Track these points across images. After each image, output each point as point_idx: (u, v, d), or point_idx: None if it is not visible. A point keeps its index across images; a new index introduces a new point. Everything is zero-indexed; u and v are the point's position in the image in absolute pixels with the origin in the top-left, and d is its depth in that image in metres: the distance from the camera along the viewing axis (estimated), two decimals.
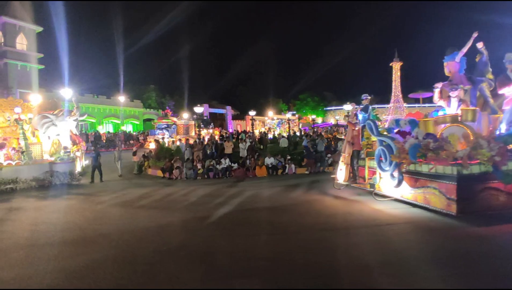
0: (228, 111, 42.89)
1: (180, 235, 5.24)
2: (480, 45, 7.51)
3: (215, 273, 3.72)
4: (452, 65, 7.57)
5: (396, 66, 49.98)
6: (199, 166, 13.03)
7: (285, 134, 23.50)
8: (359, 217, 5.85)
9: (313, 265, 3.80)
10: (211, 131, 28.48)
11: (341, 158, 9.03)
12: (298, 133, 24.12)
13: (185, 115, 29.98)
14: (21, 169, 10.82)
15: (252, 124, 24.74)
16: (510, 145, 5.99)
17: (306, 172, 13.00)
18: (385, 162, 6.92)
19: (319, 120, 49.29)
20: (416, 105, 49.35)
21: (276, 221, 5.86)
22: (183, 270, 3.80)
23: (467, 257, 3.89)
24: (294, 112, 47.42)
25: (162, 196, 8.96)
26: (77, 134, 14.71)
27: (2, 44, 27.17)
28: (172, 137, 23.92)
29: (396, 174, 6.63)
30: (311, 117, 44.82)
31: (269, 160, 13.15)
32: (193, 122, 26.02)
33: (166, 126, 27.51)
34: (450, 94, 7.03)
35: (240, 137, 20.23)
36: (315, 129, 26.72)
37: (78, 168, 12.65)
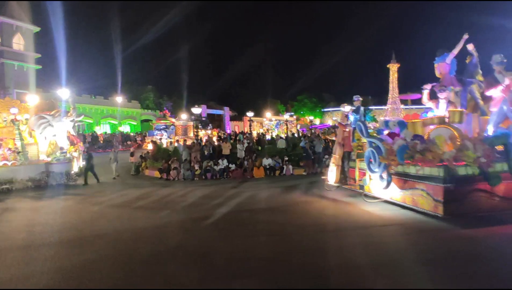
0: (226, 112, 42.98)
1: (177, 236, 5.28)
2: (470, 47, 7.57)
3: (213, 273, 3.75)
4: (442, 66, 7.64)
5: (393, 67, 50.27)
6: (196, 167, 13.09)
7: (283, 135, 23.63)
8: (350, 219, 5.92)
9: (309, 266, 3.85)
10: (209, 132, 28.57)
11: (332, 159, 9.10)
12: (296, 135, 24.24)
13: (184, 116, 30.06)
14: (17, 169, 10.87)
15: (250, 125, 24.86)
16: (499, 147, 6.06)
17: (304, 173, 13.09)
18: (374, 163, 7.00)
19: (317, 121, 49.48)
20: (413, 106, 49.61)
21: (272, 222, 5.94)
22: (180, 271, 3.84)
23: (457, 258, 3.95)
24: (292, 113, 47.55)
25: (160, 197, 9.02)
26: (75, 134, 14.75)
27: None
28: (170, 138, 24.01)
29: (385, 175, 6.71)
30: (309, 118, 45.06)
31: (267, 161, 13.22)
32: (191, 123, 26.09)
33: (164, 127, 27.58)
34: (439, 95, 7.10)
35: (238, 138, 20.33)
36: (313, 130, 26.88)
37: (75, 169, 12.69)
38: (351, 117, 8.93)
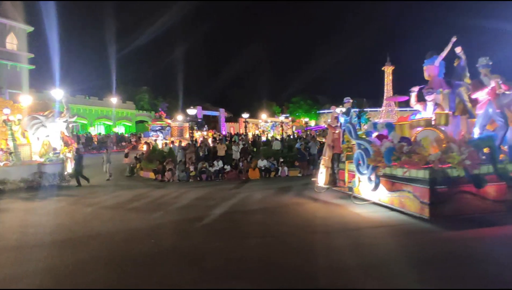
0: (222, 113, 42.99)
1: (171, 237, 5.27)
2: (458, 50, 7.57)
3: (206, 274, 3.77)
4: (431, 69, 7.64)
5: (388, 70, 50.94)
6: (191, 168, 13.11)
7: (278, 137, 23.75)
8: (339, 221, 5.97)
9: (300, 267, 3.89)
10: (205, 133, 28.58)
11: (322, 161, 9.17)
12: (291, 136, 24.39)
13: (179, 117, 30.01)
14: (9, 170, 10.80)
15: (245, 127, 24.92)
16: (486, 149, 6.12)
17: (299, 175, 13.17)
18: (363, 165, 7.06)
19: (312, 123, 49.81)
20: (408, 109, 50.16)
21: (264, 223, 6.01)
22: (174, 272, 3.85)
23: (445, 260, 3.98)
24: (287, 115, 47.83)
25: (154, 198, 9.03)
26: (69, 135, 14.67)
27: None
28: (166, 139, 23.96)
29: (373, 177, 6.78)
30: (304, 120, 45.35)
31: (262, 163, 13.29)
32: (187, 124, 26.09)
33: (160, 128, 27.52)
34: (426, 97, 7.14)
35: (233, 140, 20.38)
36: (308, 132, 27.08)
37: (69, 170, 12.63)
38: (341, 119, 9.00)
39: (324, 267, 3.87)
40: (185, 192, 9.80)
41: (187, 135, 24.64)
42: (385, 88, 51.06)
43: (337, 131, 9.02)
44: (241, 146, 15.18)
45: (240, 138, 20.79)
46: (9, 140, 11.60)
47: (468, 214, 5.62)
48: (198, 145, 16.16)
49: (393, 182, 6.54)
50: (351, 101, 9.26)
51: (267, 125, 35.72)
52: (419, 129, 6.82)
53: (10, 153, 11.22)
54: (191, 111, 24.65)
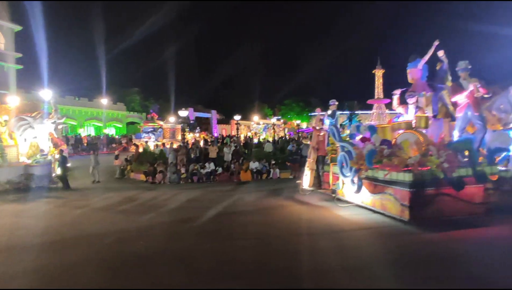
0: (213, 115, 42.95)
1: (162, 239, 5.26)
2: (441, 53, 7.66)
3: (197, 276, 3.79)
4: (414, 72, 7.78)
5: (378, 73, 51.86)
6: (183, 170, 13.12)
7: (270, 139, 23.92)
8: (323, 223, 6.01)
9: (285, 269, 3.94)
10: (197, 135, 28.52)
11: (307, 164, 9.18)
12: (284, 138, 24.66)
13: (172, 118, 29.90)
14: None
15: (237, 129, 25.03)
16: (466, 152, 6.22)
17: (291, 177, 13.23)
18: (346, 167, 7.13)
19: (304, 125, 50.31)
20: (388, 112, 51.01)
21: (254, 225, 6.06)
22: (165, 274, 3.87)
23: (427, 262, 4.05)
24: (279, 117, 48.15)
25: (144, 200, 9.00)
26: (59, 136, 14.46)
27: None
28: (158, 141, 23.83)
29: (356, 180, 6.85)
30: (296, 122, 45.78)
31: (254, 165, 13.34)
32: (179, 126, 26.03)
33: (152, 129, 27.33)
34: (407, 100, 7.28)
35: (225, 142, 20.46)
36: (300, 134, 27.40)
37: (58, 171, 12.46)
38: (327, 121, 9.13)
39: (309, 269, 3.92)
40: (176, 194, 9.81)
41: (179, 137, 24.58)
42: (376, 91, 51.89)
43: (321, 134, 9.09)
44: (233, 148, 15.26)
45: (232, 140, 20.90)
46: None
47: (448, 216, 5.69)
48: (190, 147, 16.17)
49: (375, 185, 6.55)
50: (336, 103, 9.43)
51: (259, 127, 35.91)
52: (400, 131, 6.92)
53: None
54: (183, 113, 24.62)
